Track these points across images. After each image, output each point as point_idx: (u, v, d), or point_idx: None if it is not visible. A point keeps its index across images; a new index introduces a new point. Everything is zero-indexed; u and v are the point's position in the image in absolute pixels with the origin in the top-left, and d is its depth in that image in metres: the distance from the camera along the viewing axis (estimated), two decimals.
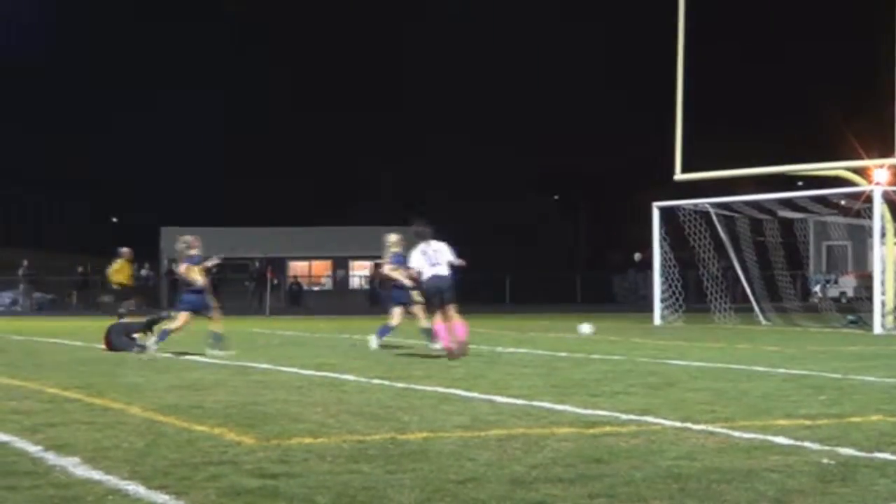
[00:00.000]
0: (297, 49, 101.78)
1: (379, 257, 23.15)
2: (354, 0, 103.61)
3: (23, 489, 7.57)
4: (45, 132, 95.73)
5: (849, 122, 43.80)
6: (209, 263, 20.75)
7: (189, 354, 20.09)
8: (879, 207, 31.13)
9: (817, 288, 51.66)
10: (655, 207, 36.21)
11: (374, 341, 21.47)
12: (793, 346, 23.07)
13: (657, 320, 35.37)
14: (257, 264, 62.91)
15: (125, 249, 35.48)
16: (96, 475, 8.05)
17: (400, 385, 14.32)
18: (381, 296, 21.41)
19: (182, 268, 20.46)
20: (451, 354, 18.24)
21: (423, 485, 7.64)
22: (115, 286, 35.58)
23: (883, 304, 30.74)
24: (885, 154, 33.13)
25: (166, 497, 7.35)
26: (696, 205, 36.01)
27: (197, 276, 20.39)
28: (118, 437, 9.78)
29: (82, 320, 40.61)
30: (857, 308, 36.94)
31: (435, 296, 18.74)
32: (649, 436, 9.83)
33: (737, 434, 9.94)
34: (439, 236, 19.53)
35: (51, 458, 8.78)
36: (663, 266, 36.03)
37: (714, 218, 36.14)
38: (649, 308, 37.15)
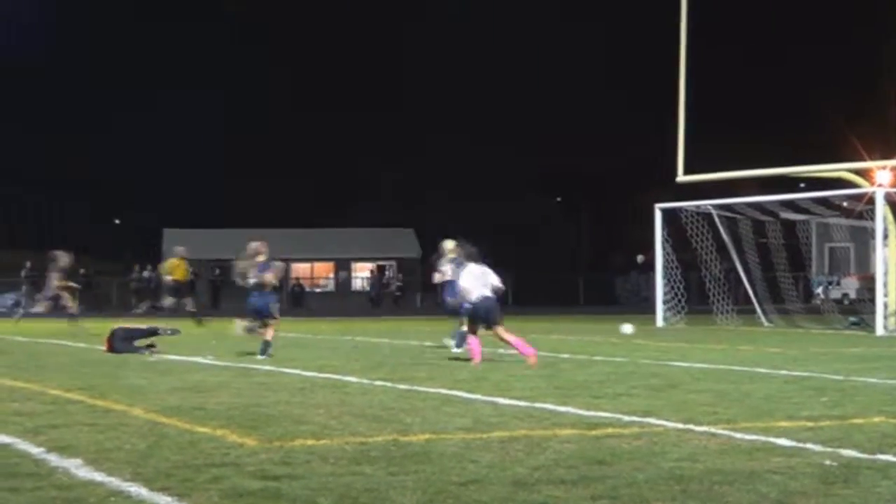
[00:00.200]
0: (296, 49, 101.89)
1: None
2: (354, 0, 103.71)
3: (25, 491, 7.58)
4: (45, 132, 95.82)
5: (851, 124, 43.82)
6: (278, 272, 21.08)
7: (193, 356, 20.11)
8: (882, 209, 31.12)
9: (819, 290, 51.60)
10: (658, 209, 36.19)
11: (453, 346, 21.29)
12: (795, 348, 23.06)
13: (659, 322, 35.36)
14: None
15: (180, 248, 36.05)
16: (98, 477, 8.05)
17: (402, 387, 14.32)
18: (446, 301, 21.58)
19: (268, 276, 20.45)
20: (531, 361, 17.96)
21: (425, 486, 7.64)
22: (170, 283, 36.01)
23: (885, 305, 30.72)
24: (888, 156, 33.16)
25: (168, 499, 7.35)
26: (698, 206, 35.99)
27: (273, 280, 20.60)
28: (120, 439, 9.78)
29: (85, 322, 40.56)
30: (859, 310, 36.91)
31: (481, 317, 18.75)
32: (651, 437, 9.83)
33: (739, 436, 9.94)
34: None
35: (53, 459, 8.78)
36: (665, 268, 36.01)
37: (716, 219, 36.12)
38: (651, 310, 37.14)
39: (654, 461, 8.63)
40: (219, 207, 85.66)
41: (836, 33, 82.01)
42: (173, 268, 36.12)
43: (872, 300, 32.28)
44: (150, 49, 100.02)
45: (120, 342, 21.28)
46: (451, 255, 21.78)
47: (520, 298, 60.99)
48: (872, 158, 33.82)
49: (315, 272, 74.29)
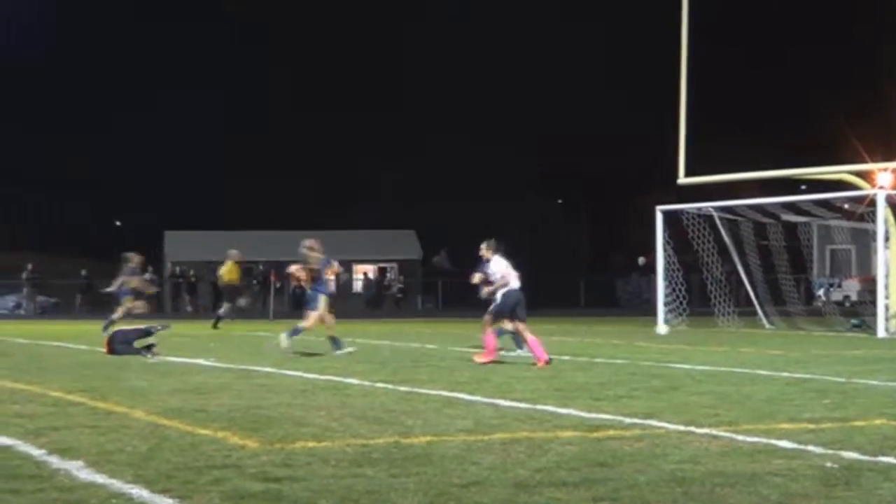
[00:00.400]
0: (297, 49, 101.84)
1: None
2: (354, 0, 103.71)
3: (26, 493, 7.58)
4: (45, 132, 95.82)
5: (852, 126, 43.74)
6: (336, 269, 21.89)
7: (195, 358, 20.12)
8: (883, 211, 31.11)
9: (821, 291, 51.55)
10: (659, 211, 36.16)
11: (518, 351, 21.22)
12: (796, 350, 23.05)
13: (660, 324, 35.33)
14: (261, 267, 62.90)
15: (234, 251, 36.32)
16: (100, 479, 8.05)
17: (403, 389, 14.33)
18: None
19: (330, 271, 21.45)
20: (540, 365, 17.95)
21: (426, 489, 7.64)
22: (226, 285, 36.39)
23: (886, 307, 30.70)
24: (889, 157, 33.11)
25: (170, 501, 7.35)
26: (699, 208, 35.96)
27: (329, 276, 21.44)
28: (122, 441, 9.78)
29: (86, 324, 40.61)
30: (860, 312, 36.89)
31: (511, 306, 18.79)
32: (653, 439, 9.83)
33: (740, 438, 9.94)
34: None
35: (54, 461, 8.78)
36: (667, 270, 35.98)
37: (717, 222, 36.09)
38: (653, 312, 37.12)
39: (655, 463, 8.63)
40: (220, 209, 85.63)
41: (836, 34, 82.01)
42: (228, 271, 36.48)
43: (874, 302, 32.25)
44: (150, 49, 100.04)
45: (119, 344, 21.30)
46: (488, 256, 21.84)
47: None
48: (873, 160, 33.78)
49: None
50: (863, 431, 10.38)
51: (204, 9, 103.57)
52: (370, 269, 71.72)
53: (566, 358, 20.20)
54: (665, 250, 35.90)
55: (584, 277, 68.44)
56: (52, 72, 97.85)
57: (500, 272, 18.90)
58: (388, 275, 71.91)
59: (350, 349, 21.40)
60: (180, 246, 69.94)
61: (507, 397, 13.17)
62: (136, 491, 7.62)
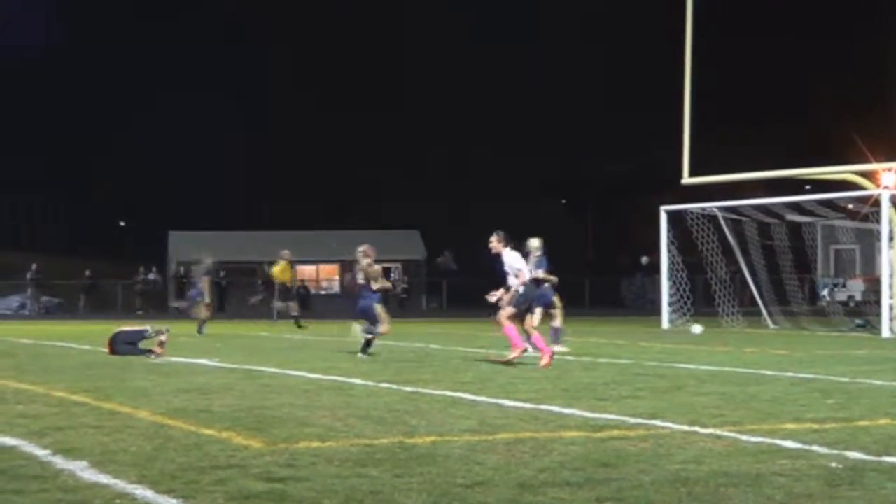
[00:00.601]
0: (299, 49, 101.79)
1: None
2: (355, 0, 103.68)
3: (30, 493, 7.58)
4: (46, 133, 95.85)
5: (857, 126, 43.72)
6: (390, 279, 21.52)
7: (199, 359, 20.12)
8: (887, 211, 31.11)
9: (825, 292, 51.56)
10: (663, 211, 36.18)
11: (556, 347, 21.42)
12: (800, 350, 23.04)
13: (665, 324, 35.34)
14: (266, 268, 62.93)
15: (286, 252, 36.41)
16: (104, 479, 8.05)
17: (408, 389, 14.32)
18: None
19: (360, 274, 21.07)
20: (544, 361, 17.88)
21: (430, 489, 7.64)
22: (279, 285, 36.48)
23: (891, 307, 30.70)
24: (893, 157, 33.11)
25: (174, 501, 7.35)
26: (703, 208, 35.97)
27: (381, 283, 21.20)
28: (126, 441, 9.78)
29: (90, 324, 40.64)
30: (864, 312, 36.89)
31: (531, 300, 18.75)
32: (657, 440, 9.83)
33: (744, 438, 9.93)
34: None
35: (58, 462, 8.78)
36: (671, 270, 35.99)
37: (722, 221, 36.10)
38: (657, 312, 37.13)
39: (659, 463, 8.63)
40: (224, 210, 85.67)
41: (841, 35, 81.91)
42: (281, 272, 36.50)
43: (878, 302, 32.25)
44: (151, 49, 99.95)
45: (121, 345, 21.30)
46: (538, 254, 22.17)
47: None
48: (878, 160, 33.79)
49: (320, 274, 74.29)
50: (867, 432, 10.37)
51: (204, 9, 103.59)
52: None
53: (570, 358, 20.19)
54: (669, 250, 35.92)
55: (589, 277, 68.40)
56: (52, 72, 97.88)
57: (520, 265, 18.40)
58: (393, 275, 71.94)
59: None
60: (184, 246, 69.91)
61: (511, 397, 13.16)
62: (140, 491, 7.62)
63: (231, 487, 7.71)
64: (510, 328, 18.23)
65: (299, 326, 34.33)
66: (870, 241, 45.20)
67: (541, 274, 21.86)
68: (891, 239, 31.54)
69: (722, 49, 65.79)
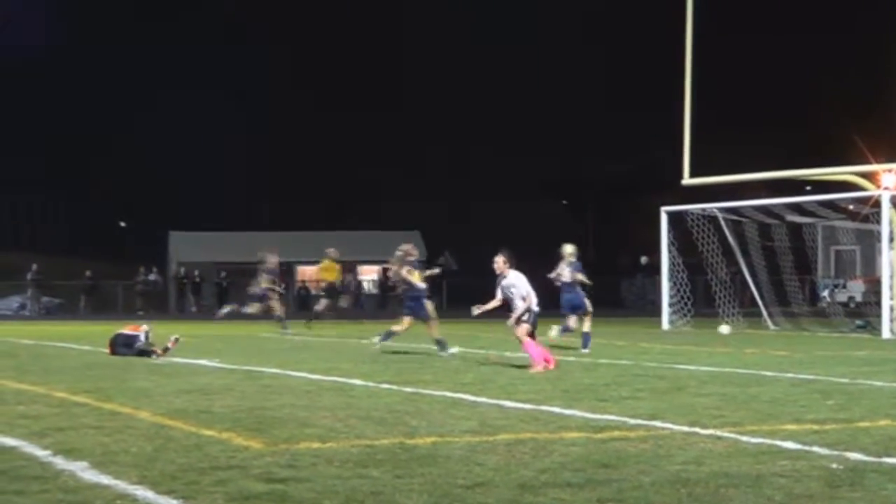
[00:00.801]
0: (299, 49, 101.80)
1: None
2: (355, 0, 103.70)
3: (31, 494, 7.59)
4: (48, 133, 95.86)
5: (857, 127, 43.74)
6: (430, 272, 22.21)
7: (200, 359, 20.13)
8: (887, 212, 31.09)
9: (825, 292, 51.55)
10: (663, 212, 36.16)
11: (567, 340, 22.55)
12: (801, 351, 23.03)
13: (665, 325, 35.33)
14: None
15: (332, 250, 36.26)
16: (105, 480, 8.06)
17: (408, 390, 14.32)
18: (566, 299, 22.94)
19: (403, 271, 21.51)
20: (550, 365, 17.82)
21: (431, 490, 7.65)
22: (324, 284, 36.35)
23: (891, 308, 30.67)
24: (894, 158, 33.09)
25: (175, 502, 7.36)
26: (704, 209, 35.96)
27: (417, 280, 21.45)
28: (126, 442, 9.79)
29: (91, 325, 40.64)
30: (865, 313, 36.87)
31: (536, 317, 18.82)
32: (657, 440, 9.83)
33: (745, 439, 9.94)
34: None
35: (59, 462, 8.79)
36: (671, 271, 35.98)
37: (722, 222, 36.08)
38: (657, 313, 37.12)
39: (660, 464, 8.64)
40: (224, 210, 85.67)
41: (841, 36, 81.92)
42: (326, 270, 36.31)
43: (878, 303, 32.23)
44: (150, 49, 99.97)
45: (119, 347, 21.29)
46: (571, 259, 22.99)
47: None
48: (878, 161, 33.78)
49: (322, 275, 74.27)
50: (867, 432, 10.37)
51: (204, 8, 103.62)
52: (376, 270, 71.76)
53: (571, 359, 20.19)
54: (670, 251, 35.91)
55: (589, 278, 68.33)
56: (52, 72, 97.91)
57: (527, 289, 17.92)
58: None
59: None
60: (185, 246, 69.96)
61: (511, 398, 13.17)
62: (141, 492, 7.63)
63: (232, 488, 7.72)
64: (529, 344, 17.94)
65: (307, 325, 33.93)
66: (870, 242, 45.22)
67: (581, 277, 23.07)
68: (891, 240, 31.52)
69: (723, 50, 65.79)
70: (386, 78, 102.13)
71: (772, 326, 35.11)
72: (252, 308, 32.03)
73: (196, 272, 64.30)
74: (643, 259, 56.53)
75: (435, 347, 21.20)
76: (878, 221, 31.87)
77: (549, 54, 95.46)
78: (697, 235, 36.03)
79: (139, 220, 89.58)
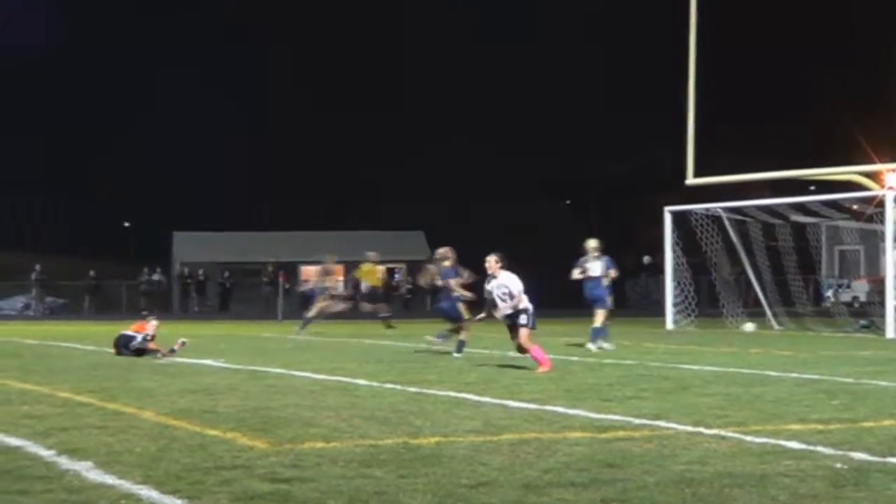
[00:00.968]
0: (300, 49, 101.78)
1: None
2: (355, 0, 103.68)
3: (35, 494, 7.59)
4: (48, 133, 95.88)
5: (861, 127, 43.70)
6: (465, 279, 21.80)
7: (203, 360, 20.14)
8: (892, 212, 31.05)
9: (830, 292, 51.52)
10: (667, 212, 36.15)
11: (590, 345, 23.18)
12: (805, 351, 23.02)
13: (669, 325, 35.32)
14: (270, 268, 63.01)
15: (372, 253, 36.05)
16: (109, 480, 8.06)
17: (412, 390, 14.32)
18: (593, 295, 23.51)
19: (452, 283, 21.59)
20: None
21: (435, 489, 7.64)
22: (366, 288, 36.16)
23: (895, 308, 30.66)
24: None
25: (179, 502, 7.36)
26: (707, 209, 35.95)
27: (456, 286, 21.56)
28: (131, 442, 9.79)
29: (95, 325, 40.67)
30: (869, 312, 36.83)
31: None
32: (662, 440, 9.83)
33: (749, 439, 9.93)
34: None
35: (63, 462, 8.79)
36: (675, 270, 35.98)
37: (726, 222, 36.07)
38: (661, 312, 37.10)
39: (664, 464, 8.63)
40: (224, 210, 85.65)
41: (845, 36, 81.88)
42: (367, 273, 36.03)
43: (883, 303, 32.19)
44: (150, 49, 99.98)
45: (123, 348, 21.30)
46: (595, 254, 23.91)
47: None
48: (882, 161, 33.76)
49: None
50: (872, 432, 10.36)
51: (204, 8, 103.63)
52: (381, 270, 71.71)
53: (575, 359, 20.20)
54: (673, 251, 35.90)
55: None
56: (52, 72, 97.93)
57: (518, 289, 17.76)
58: (397, 275, 71.90)
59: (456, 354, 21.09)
60: (189, 247, 70.00)
61: (515, 398, 13.16)
62: (146, 492, 7.63)
63: (236, 488, 7.72)
64: (533, 348, 17.86)
65: (389, 327, 33.81)
66: (874, 242, 45.14)
67: (613, 273, 24.21)
68: (895, 239, 31.50)
69: (725, 49, 65.73)
70: (386, 78, 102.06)
71: (776, 326, 35.09)
72: (339, 306, 32.49)
73: (200, 272, 64.37)
74: (646, 259, 56.53)
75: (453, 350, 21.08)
76: (882, 221, 31.82)
77: (549, 54, 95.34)
78: (701, 235, 36.02)
79: (140, 220, 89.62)
